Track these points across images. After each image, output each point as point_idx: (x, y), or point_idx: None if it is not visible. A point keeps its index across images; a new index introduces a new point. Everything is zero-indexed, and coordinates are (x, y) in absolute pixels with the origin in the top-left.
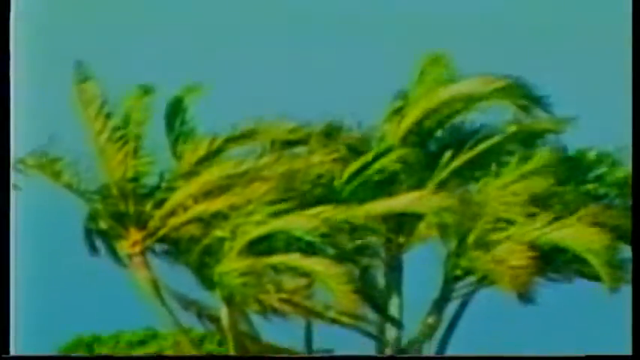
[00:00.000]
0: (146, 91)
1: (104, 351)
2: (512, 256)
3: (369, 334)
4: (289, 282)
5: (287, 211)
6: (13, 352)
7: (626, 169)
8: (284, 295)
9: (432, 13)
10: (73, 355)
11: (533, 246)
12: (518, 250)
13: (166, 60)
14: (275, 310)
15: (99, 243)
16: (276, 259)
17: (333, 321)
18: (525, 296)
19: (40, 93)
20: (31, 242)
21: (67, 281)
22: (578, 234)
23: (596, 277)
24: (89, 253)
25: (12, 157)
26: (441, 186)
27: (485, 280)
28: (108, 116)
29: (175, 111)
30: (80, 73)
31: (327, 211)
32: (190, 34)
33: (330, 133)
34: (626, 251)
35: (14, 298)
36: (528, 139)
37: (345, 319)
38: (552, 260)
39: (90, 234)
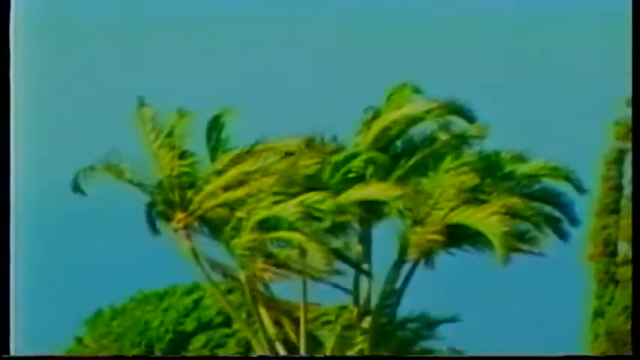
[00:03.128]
0: (183, 113)
1: (165, 299)
2: (431, 231)
3: (345, 289)
4: (283, 252)
5: (286, 199)
6: (13, 352)
7: (535, 163)
8: (274, 264)
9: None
10: (73, 355)
11: (449, 225)
12: (435, 229)
13: (200, 85)
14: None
15: (157, 222)
16: (274, 234)
17: (316, 278)
18: (430, 263)
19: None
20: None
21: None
22: (489, 221)
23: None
24: (150, 230)
25: (12, 156)
26: (399, 180)
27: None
28: (159, 130)
29: (213, 127)
30: (139, 102)
31: (311, 197)
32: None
33: (313, 143)
34: (521, 227)
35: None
36: (458, 144)
37: (324, 275)
38: (462, 237)
39: (150, 216)
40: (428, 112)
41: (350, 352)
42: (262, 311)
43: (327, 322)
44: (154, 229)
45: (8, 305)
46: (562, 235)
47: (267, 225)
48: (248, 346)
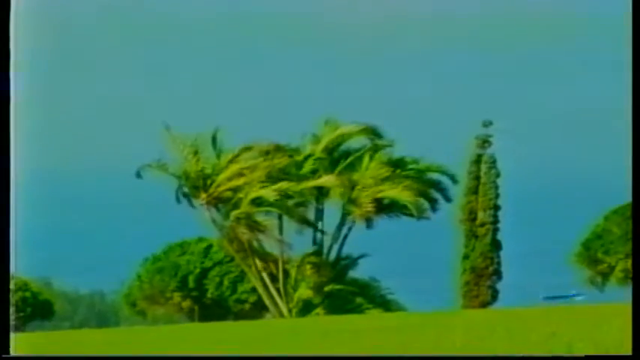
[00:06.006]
0: (202, 133)
1: (199, 245)
2: (361, 205)
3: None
4: (263, 219)
5: (268, 184)
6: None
7: (425, 163)
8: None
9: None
10: (73, 355)
11: (377, 199)
12: (368, 201)
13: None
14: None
15: (183, 201)
16: (262, 208)
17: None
18: (370, 224)
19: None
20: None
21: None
22: (401, 194)
23: (407, 214)
24: (177, 202)
25: (12, 156)
26: (340, 173)
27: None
28: (184, 142)
29: (213, 138)
30: (168, 129)
31: (284, 185)
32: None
33: (282, 148)
34: (424, 200)
35: None
36: (375, 150)
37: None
38: (388, 206)
39: (179, 195)
40: (357, 131)
41: (304, 281)
42: (255, 256)
43: (293, 263)
44: (187, 201)
45: (8, 305)
46: (434, 208)
47: (257, 202)
48: (244, 274)
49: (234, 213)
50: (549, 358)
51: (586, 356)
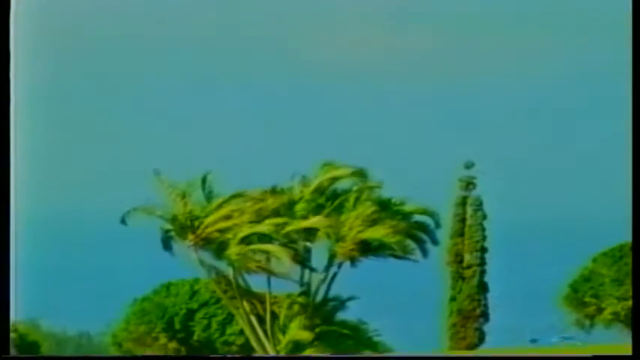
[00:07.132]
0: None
1: (184, 286)
2: (348, 246)
3: (295, 282)
4: (258, 256)
5: (258, 224)
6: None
7: (412, 205)
8: (255, 264)
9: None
10: (72, 355)
11: (363, 240)
12: (353, 242)
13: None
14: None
15: (171, 243)
16: (253, 246)
17: (278, 275)
18: (354, 264)
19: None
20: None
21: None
22: (386, 234)
23: (394, 255)
24: (164, 248)
25: (12, 156)
26: (328, 215)
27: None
28: (172, 186)
29: (203, 181)
30: (156, 172)
31: (275, 221)
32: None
33: (274, 191)
34: (410, 242)
35: None
36: (364, 192)
37: (283, 275)
38: (376, 248)
39: (166, 238)
40: (348, 174)
41: (292, 323)
42: (243, 297)
43: (281, 304)
44: (169, 245)
45: (8, 305)
46: (424, 252)
47: (247, 241)
48: (231, 316)
49: (234, 250)
50: (549, 358)
51: (586, 356)
